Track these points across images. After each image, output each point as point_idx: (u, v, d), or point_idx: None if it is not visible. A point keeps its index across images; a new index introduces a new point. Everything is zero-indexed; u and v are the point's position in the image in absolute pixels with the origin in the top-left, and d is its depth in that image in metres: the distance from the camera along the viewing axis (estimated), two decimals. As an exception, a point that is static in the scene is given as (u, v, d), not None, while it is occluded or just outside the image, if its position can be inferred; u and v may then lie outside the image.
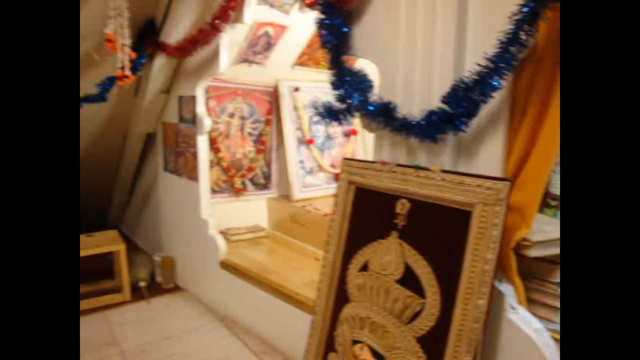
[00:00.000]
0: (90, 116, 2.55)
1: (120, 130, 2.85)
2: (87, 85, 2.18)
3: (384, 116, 1.22)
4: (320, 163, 2.72)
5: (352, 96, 1.28)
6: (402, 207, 1.24)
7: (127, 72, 1.99)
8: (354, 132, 2.88)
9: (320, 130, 2.76)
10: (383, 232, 1.27)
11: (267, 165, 2.71)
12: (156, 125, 2.66)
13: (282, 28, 2.35)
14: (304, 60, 2.64)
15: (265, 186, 2.72)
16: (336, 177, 2.79)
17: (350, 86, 1.29)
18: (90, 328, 2.15)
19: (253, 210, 2.69)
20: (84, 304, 2.33)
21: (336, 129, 2.83)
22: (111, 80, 2.08)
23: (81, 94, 2.08)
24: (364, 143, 2.98)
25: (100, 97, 2.05)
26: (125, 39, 1.96)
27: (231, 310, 2.19)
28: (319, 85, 2.76)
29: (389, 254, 1.23)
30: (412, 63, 1.24)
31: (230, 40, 2.06)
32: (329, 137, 2.80)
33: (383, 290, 1.22)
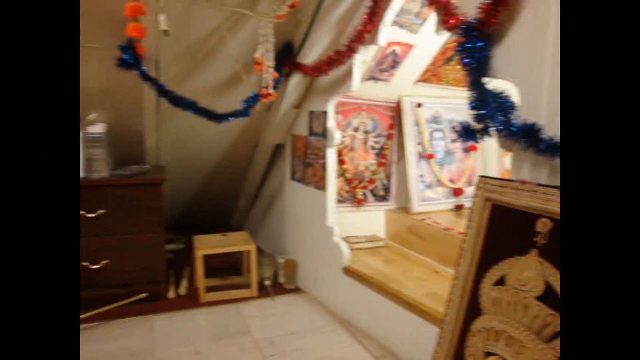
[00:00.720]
0: (228, 127, 2.86)
1: (251, 141, 3.14)
2: (233, 101, 2.46)
3: (527, 137, 1.26)
4: (439, 178, 2.77)
5: (494, 117, 1.33)
6: (543, 226, 1.26)
7: (271, 91, 2.22)
8: (473, 148, 2.88)
9: (440, 145, 2.81)
10: (521, 249, 1.30)
11: (387, 177, 2.82)
12: (285, 137, 2.89)
13: (409, 47, 2.45)
14: (427, 77, 2.71)
15: (384, 198, 2.82)
16: (455, 192, 2.81)
17: (493, 107, 1.34)
18: (226, 317, 2.40)
19: (372, 220, 2.80)
20: (218, 295, 2.60)
21: (456, 145, 2.85)
22: (254, 98, 2.33)
23: (228, 110, 2.35)
24: (483, 159, 2.96)
25: (244, 113, 2.31)
26: (270, 62, 2.19)
27: (351, 314, 2.31)
28: (440, 101, 2.81)
29: (528, 270, 1.26)
30: (558, 86, 1.26)
31: (361, 60, 2.20)
32: (448, 153, 2.83)
33: (521, 306, 1.25)
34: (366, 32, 1.99)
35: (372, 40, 2.03)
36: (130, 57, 2.00)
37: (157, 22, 1.88)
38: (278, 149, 3.09)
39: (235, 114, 2.31)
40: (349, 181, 2.67)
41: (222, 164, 3.30)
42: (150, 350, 2.06)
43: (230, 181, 3.51)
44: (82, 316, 2.23)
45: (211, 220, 3.74)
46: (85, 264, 2.37)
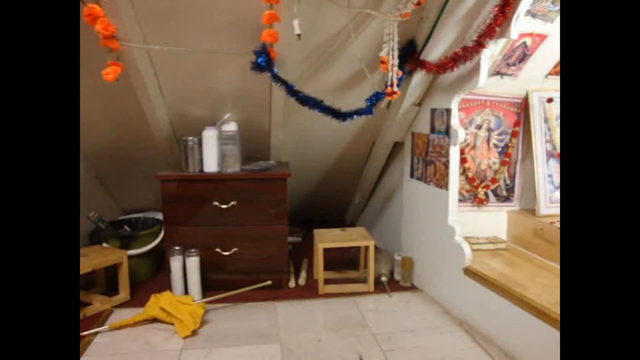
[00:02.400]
0: (347, 126, 2.92)
1: (369, 139, 3.18)
2: (355, 100, 2.52)
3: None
4: (571, 178, 2.56)
5: None
6: None
7: (395, 89, 2.24)
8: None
9: (573, 143, 2.60)
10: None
11: (510, 177, 2.68)
12: (405, 135, 2.89)
13: (542, 37, 2.31)
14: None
15: (507, 198, 2.69)
16: (590, 195, 2.58)
17: None
18: (344, 309, 2.48)
19: (493, 221, 2.69)
20: (336, 288, 2.69)
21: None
22: (377, 96, 2.36)
23: (352, 108, 2.41)
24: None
25: (367, 111, 2.36)
26: (394, 60, 2.21)
27: (470, 316, 2.25)
28: (575, 95, 2.60)
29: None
30: None
31: (489, 54, 2.12)
32: (583, 151, 2.61)
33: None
34: (497, 25, 1.92)
35: (503, 34, 1.95)
36: (263, 60, 2.15)
37: (292, 27, 2.00)
38: (396, 146, 3.10)
39: (359, 112, 2.36)
40: (470, 180, 2.59)
41: (339, 161, 3.39)
42: (275, 334, 2.20)
43: (346, 178, 3.60)
44: (214, 297, 2.45)
45: (325, 216, 3.87)
46: (217, 250, 2.60)
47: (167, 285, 2.52)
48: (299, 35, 1.98)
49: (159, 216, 3.15)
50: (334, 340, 2.15)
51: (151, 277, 2.89)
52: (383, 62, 2.24)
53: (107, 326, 2.23)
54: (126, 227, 2.93)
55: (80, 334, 2.15)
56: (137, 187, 3.55)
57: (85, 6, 1.88)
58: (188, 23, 2.20)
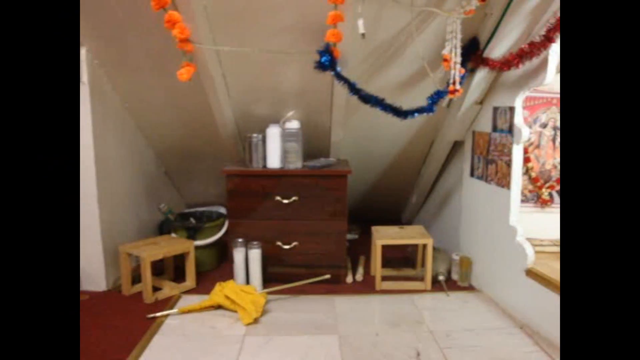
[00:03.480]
0: (406, 125, 2.94)
1: (428, 138, 3.18)
2: (415, 98, 2.54)
3: None
4: (645, 180, 2.44)
5: None
6: None
7: (457, 87, 2.24)
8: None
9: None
10: None
11: (577, 178, 2.59)
12: (465, 134, 2.86)
13: (614, 34, 2.22)
14: None
15: (573, 200, 2.60)
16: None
17: None
18: (400, 306, 2.50)
19: (556, 223, 2.61)
20: (393, 285, 2.71)
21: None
22: (438, 94, 2.36)
23: (413, 107, 2.43)
24: None
25: (429, 109, 2.36)
26: (457, 58, 2.21)
27: (533, 319, 2.20)
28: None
29: None
30: None
31: (556, 50, 2.07)
32: (659, 152, 2.48)
33: None
34: (566, 21, 1.87)
35: (572, 30, 1.90)
36: (327, 60, 2.21)
37: (355, 27, 2.05)
38: (456, 145, 3.07)
39: (420, 110, 2.38)
40: (533, 180, 2.53)
41: (398, 160, 3.40)
42: (333, 326, 2.26)
43: (404, 177, 3.60)
44: (274, 288, 2.55)
45: (382, 215, 3.88)
46: (278, 243, 2.70)
47: (229, 276, 2.64)
48: (363, 34, 2.03)
49: (221, 210, 3.31)
50: (391, 335, 2.18)
51: (214, 268, 3.04)
52: (445, 60, 2.24)
53: (176, 310, 2.38)
54: (192, 219, 3.09)
55: (153, 315, 2.32)
56: (201, 182, 3.74)
57: (166, 12, 2.03)
58: (255, 25, 2.30)
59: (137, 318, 2.33)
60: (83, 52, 2.47)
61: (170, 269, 2.80)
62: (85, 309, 2.44)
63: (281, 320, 2.31)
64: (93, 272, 2.68)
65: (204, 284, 2.72)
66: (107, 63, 2.59)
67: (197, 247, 2.77)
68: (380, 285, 2.69)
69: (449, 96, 2.31)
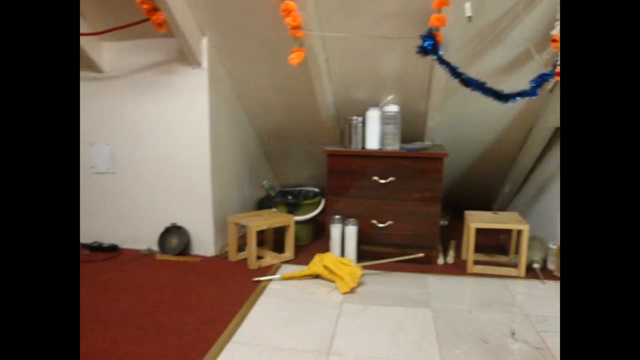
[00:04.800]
0: (504, 111, 2.92)
1: (526, 125, 3.12)
2: (518, 82, 2.52)
3: None
4: None
5: None
6: None
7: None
8: None
9: None
10: None
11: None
12: (568, 120, 2.78)
13: None
14: None
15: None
16: None
17: None
18: (493, 289, 2.51)
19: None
20: (485, 269, 2.72)
21: None
22: (542, 77, 2.33)
23: (514, 90, 2.42)
24: None
25: (532, 93, 2.34)
26: (566, 39, 2.17)
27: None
28: None
29: None
30: None
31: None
32: None
33: None
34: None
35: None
36: (430, 44, 2.28)
37: (459, 11, 2.10)
38: (556, 133, 2.99)
39: (522, 94, 2.37)
40: None
41: (492, 147, 3.38)
42: (426, 301, 2.35)
43: (498, 165, 3.56)
44: (369, 263, 2.68)
45: (471, 203, 3.86)
46: (373, 222, 2.82)
47: (323, 250, 2.81)
48: (469, 17, 2.08)
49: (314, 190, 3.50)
50: (484, 313, 2.22)
51: (309, 243, 3.23)
52: (554, 41, 2.21)
53: (278, 276, 2.59)
54: (289, 197, 3.31)
55: (258, 279, 2.55)
56: (295, 164, 3.96)
57: (283, 2, 2.21)
58: (361, 12, 2.43)
59: (243, 280, 2.57)
60: (204, 41, 2.76)
61: (269, 240, 3.04)
62: (200, 269, 2.75)
63: (376, 292, 2.44)
64: (204, 238, 2.98)
65: (300, 257, 2.92)
66: (223, 51, 2.86)
67: (295, 222, 2.97)
68: (472, 268, 2.72)
69: (555, 78, 2.28)
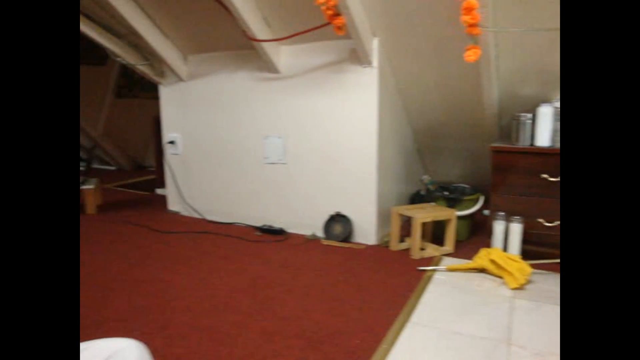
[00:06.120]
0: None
1: None
2: None
3: None
4: None
5: None
6: None
7: None
8: None
9: None
10: None
11: None
12: None
13: None
14: None
15: None
16: None
17: None
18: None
19: None
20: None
21: None
22: None
23: None
24: None
25: None
26: None
27: None
28: None
29: None
30: None
31: None
32: None
33: None
34: None
35: None
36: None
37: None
38: None
39: None
40: None
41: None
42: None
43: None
44: (538, 262, 2.63)
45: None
46: (540, 220, 2.76)
47: (483, 246, 2.82)
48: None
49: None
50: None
51: (465, 239, 3.25)
52: None
53: (443, 267, 2.67)
54: (445, 192, 3.36)
55: (424, 268, 2.66)
56: (447, 161, 3.99)
57: (465, 0, 2.29)
58: (536, 5, 2.40)
59: (407, 269, 2.70)
60: (375, 42, 2.94)
61: (428, 233, 3.13)
62: (365, 256, 2.95)
63: (547, 291, 2.40)
64: (367, 228, 3.18)
65: (459, 251, 2.97)
66: (391, 50, 3.01)
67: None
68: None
69: None
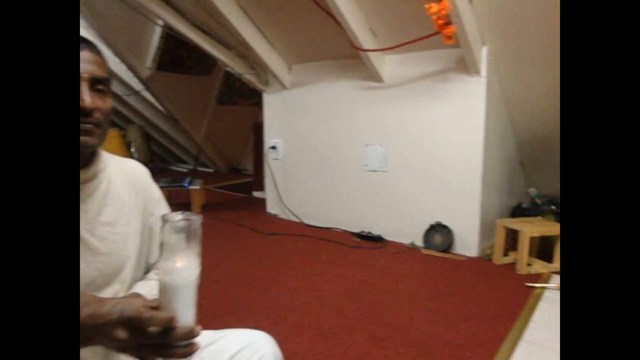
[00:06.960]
0: None
1: None
2: None
3: None
4: None
5: None
6: None
7: None
8: None
9: None
10: None
11: None
12: None
13: None
14: None
15: None
16: None
17: None
18: None
19: None
20: None
21: None
22: None
23: None
24: None
25: None
26: None
27: None
28: None
29: None
30: None
31: None
32: None
33: None
34: None
35: None
36: None
37: None
38: None
39: None
40: None
41: None
42: None
43: None
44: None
45: None
46: None
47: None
48: None
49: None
50: None
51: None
52: None
53: (555, 284, 2.55)
54: (552, 207, 3.20)
55: (533, 284, 2.56)
56: (550, 174, 3.78)
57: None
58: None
59: (514, 284, 2.61)
60: (484, 50, 2.89)
61: (535, 248, 3.00)
62: (467, 267, 2.90)
63: None
64: (468, 239, 3.12)
65: (570, 269, 2.81)
66: (500, 58, 2.94)
67: (565, 233, 2.87)
68: None
69: None
